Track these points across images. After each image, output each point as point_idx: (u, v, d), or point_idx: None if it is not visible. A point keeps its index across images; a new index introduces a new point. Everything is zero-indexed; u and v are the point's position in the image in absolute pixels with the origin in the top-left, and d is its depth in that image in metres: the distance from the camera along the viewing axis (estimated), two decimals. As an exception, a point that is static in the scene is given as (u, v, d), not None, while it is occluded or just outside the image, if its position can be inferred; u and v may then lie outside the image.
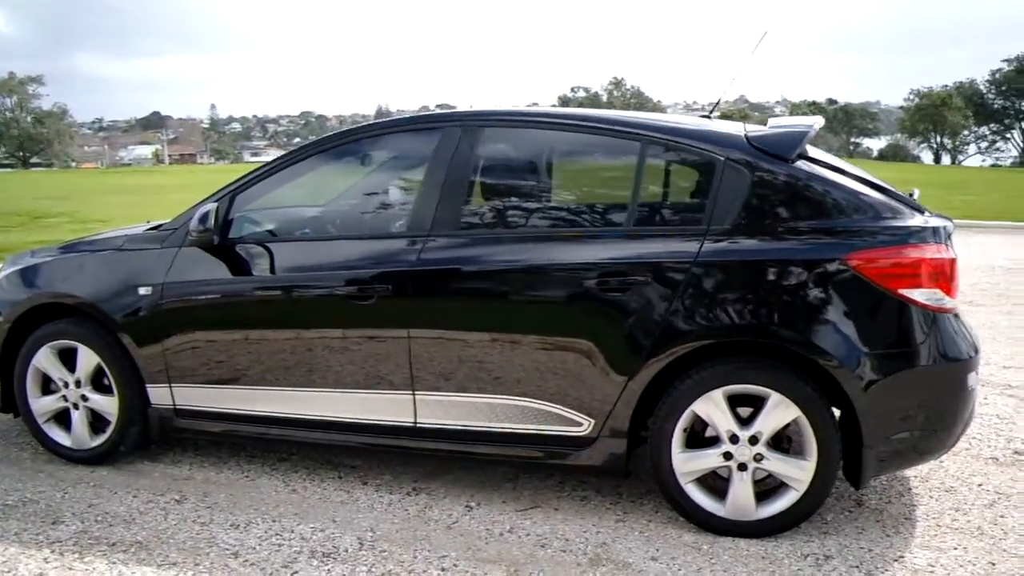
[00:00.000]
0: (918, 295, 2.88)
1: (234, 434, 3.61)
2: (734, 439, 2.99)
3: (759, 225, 2.97)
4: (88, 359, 3.69)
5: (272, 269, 3.42)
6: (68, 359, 3.76)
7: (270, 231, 3.62)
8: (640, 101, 73.61)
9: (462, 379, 3.18)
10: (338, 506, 3.34)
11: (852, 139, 77.91)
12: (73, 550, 3.02)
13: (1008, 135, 58.17)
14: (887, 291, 2.87)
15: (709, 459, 3.03)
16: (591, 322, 3.04)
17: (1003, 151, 57.88)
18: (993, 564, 2.87)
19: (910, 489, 3.47)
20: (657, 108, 79.65)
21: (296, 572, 2.83)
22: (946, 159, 58.10)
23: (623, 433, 3.08)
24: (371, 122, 3.63)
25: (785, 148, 3.04)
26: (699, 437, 3.08)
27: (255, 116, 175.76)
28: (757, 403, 3.00)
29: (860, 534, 3.08)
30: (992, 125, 58.09)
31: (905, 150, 60.92)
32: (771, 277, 2.92)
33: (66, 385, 3.76)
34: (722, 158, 3.04)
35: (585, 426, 3.10)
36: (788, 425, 2.97)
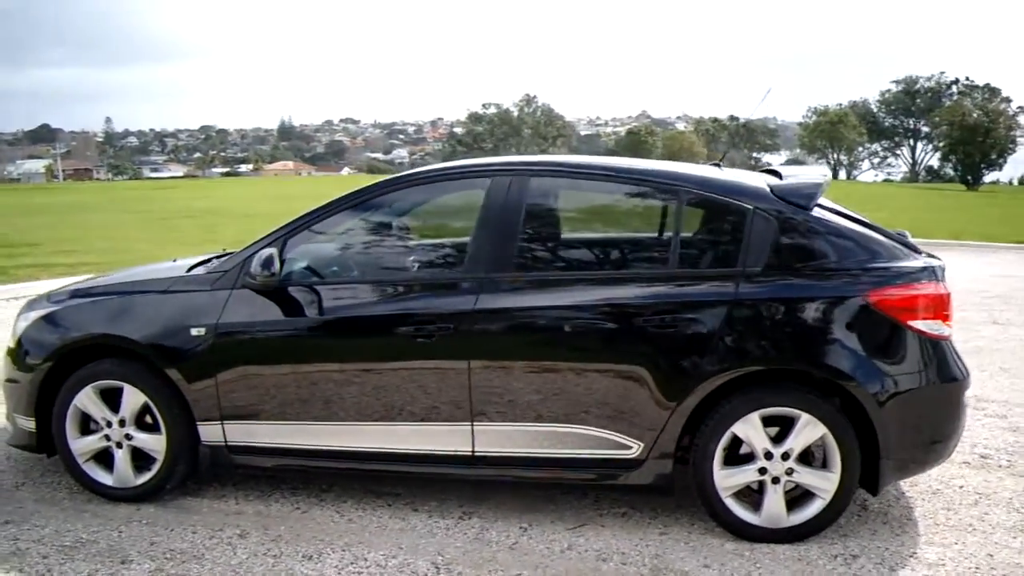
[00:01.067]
0: (923, 325, 3.32)
1: (288, 468, 3.77)
2: (768, 456, 3.36)
3: (786, 266, 3.36)
4: (134, 398, 3.77)
5: (329, 310, 3.61)
6: (109, 398, 3.83)
7: (325, 273, 3.80)
8: (550, 118, 74.69)
9: (519, 410, 3.45)
10: (398, 533, 3.54)
11: (753, 154, 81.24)
12: (153, 588, 3.14)
13: (898, 151, 62.32)
14: (898, 322, 3.30)
15: (747, 474, 3.39)
16: (642, 356, 3.36)
17: (894, 166, 61.96)
18: (991, 555, 3.33)
19: (904, 494, 3.92)
20: (566, 125, 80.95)
21: (386, 596, 3.04)
22: (842, 174, 61.50)
23: (670, 454, 3.41)
24: (421, 169, 3.87)
25: (804, 197, 3.45)
26: (734, 455, 3.44)
27: (152, 130, 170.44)
28: (784, 423, 3.39)
29: (874, 535, 3.50)
30: (883, 142, 62.07)
31: (804, 166, 64.18)
32: (800, 312, 3.31)
33: (109, 424, 3.83)
34: (751, 207, 3.42)
35: (635, 449, 3.42)
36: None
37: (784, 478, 3.37)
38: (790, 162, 72.66)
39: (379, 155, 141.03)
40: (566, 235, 3.85)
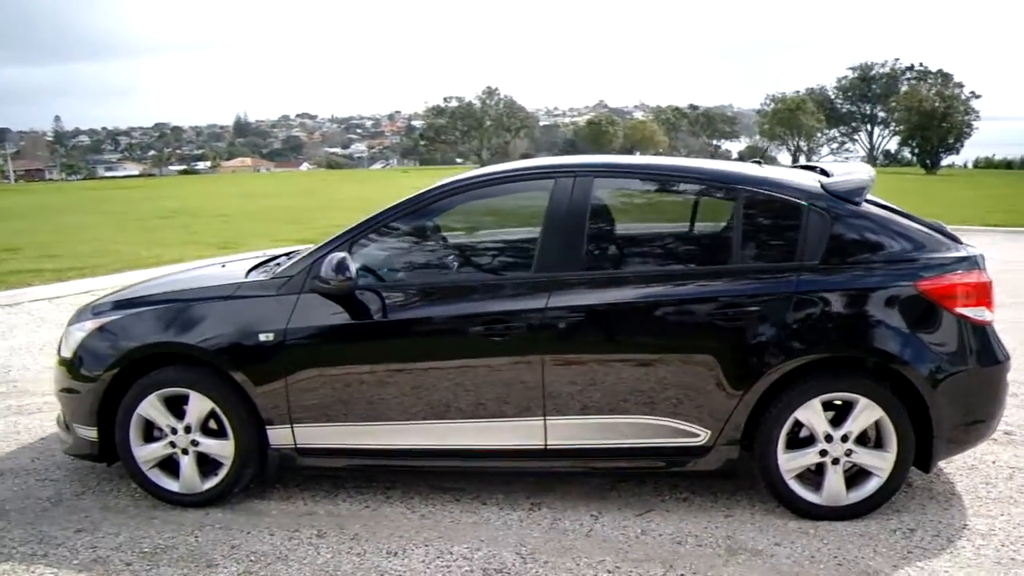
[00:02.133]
0: (969, 312, 3.52)
1: (358, 468, 3.86)
2: (828, 438, 3.54)
3: (841, 259, 3.53)
4: (201, 405, 3.82)
5: (402, 312, 3.69)
6: (171, 405, 3.87)
7: (393, 276, 3.88)
8: (512, 110, 74.57)
9: (591, 403, 3.58)
10: (473, 527, 3.65)
11: (713, 141, 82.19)
12: (246, 590, 3.21)
13: (855, 137, 63.67)
14: (946, 309, 3.50)
15: (809, 457, 3.57)
16: (709, 348, 3.51)
17: (851, 151, 63.25)
18: (1037, 525, 3.55)
19: (943, 470, 4.13)
20: (528, 116, 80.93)
21: (481, 587, 3.15)
22: (802, 160, 62.62)
23: (736, 441, 3.57)
24: (484, 171, 3.95)
25: (854, 194, 3.62)
26: (795, 439, 3.61)
27: (104, 128, 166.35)
28: (838, 407, 3.57)
29: (924, 510, 3.70)
30: (841, 128, 63.38)
31: (763, 152, 65.11)
32: (857, 302, 3.49)
33: (173, 431, 3.87)
34: (806, 204, 3.59)
35: (702, 437, 3.57)
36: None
37: (843, 459, 3.55)
38: (748, 149, 73.61)
39: (337, 150, 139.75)
40: (630, 233, 3.99)
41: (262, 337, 3.73)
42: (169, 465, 3.94)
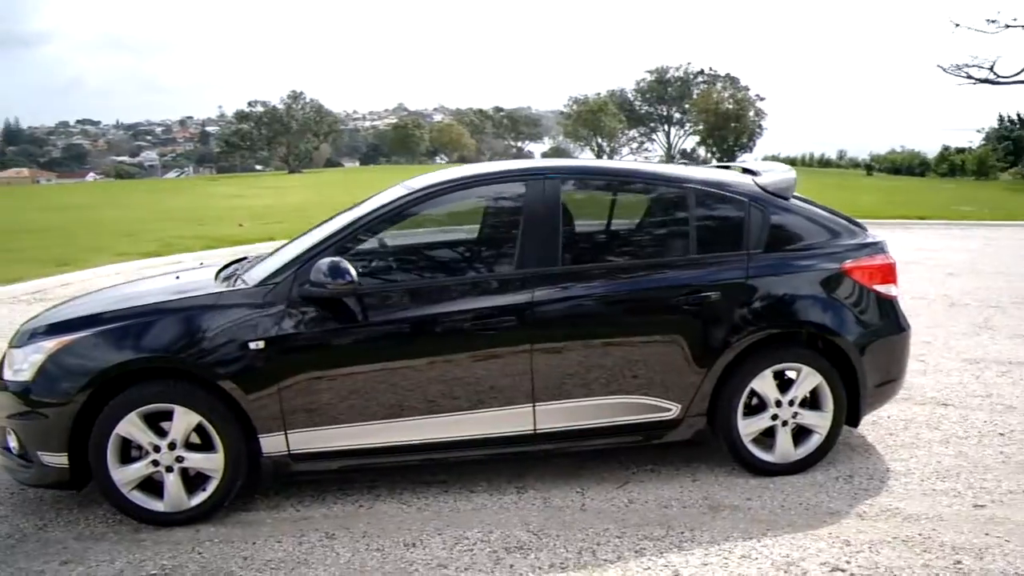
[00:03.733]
0: (881, 288, 4.21)
1: (353, 468, 3.95)
2: (778, 404, 4.09)
3: (778, 247, 4.10)
4: (186, 420, 3.75)
5: (396, 312, 3.83)
6: (150, 422, 3.77)
7: (378, 277, 4.01)
8: (320, 114, 73.03)
9: (576, 388, 3.91)
10: (474, 513, 3.86)
11: (516, 143, 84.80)
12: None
13: (654, 137, 68.19)
14: (865, 286, 4.15)
15: (763, 421, 4.11)
16: (678, 331, 3.96)
17: (650, 151, 67.69)
18: (939, 462, 4.30)
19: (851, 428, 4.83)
20: (337, 120, 79.60)
21: (512, 564, 3.40)
22: (604, 159, 66.20)
23: (703, 412, 4.04)
24: (465, 174, 4.17)
25: (784, 190, 4.20)
26: (749, 406, 4.13)
27: None
28: (781, 376, 4.14)
29: (851, 460, 4.35)
30: (640, 128, 67.55)
31: (567, 152, 68.06)
32: (797, 284, 4.07)
33: (156, 449, 3.78)
34: (746, 200, 4.12)
35: (674, 411, 4.01)
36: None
37: (791, 421, 4.12)
38: (552, 149, 76.68)
39: (126, 158, 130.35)
40: (600, 230, 4.36)
41: (252, 345, 3.73)
42: (149, 485, 3.84)
